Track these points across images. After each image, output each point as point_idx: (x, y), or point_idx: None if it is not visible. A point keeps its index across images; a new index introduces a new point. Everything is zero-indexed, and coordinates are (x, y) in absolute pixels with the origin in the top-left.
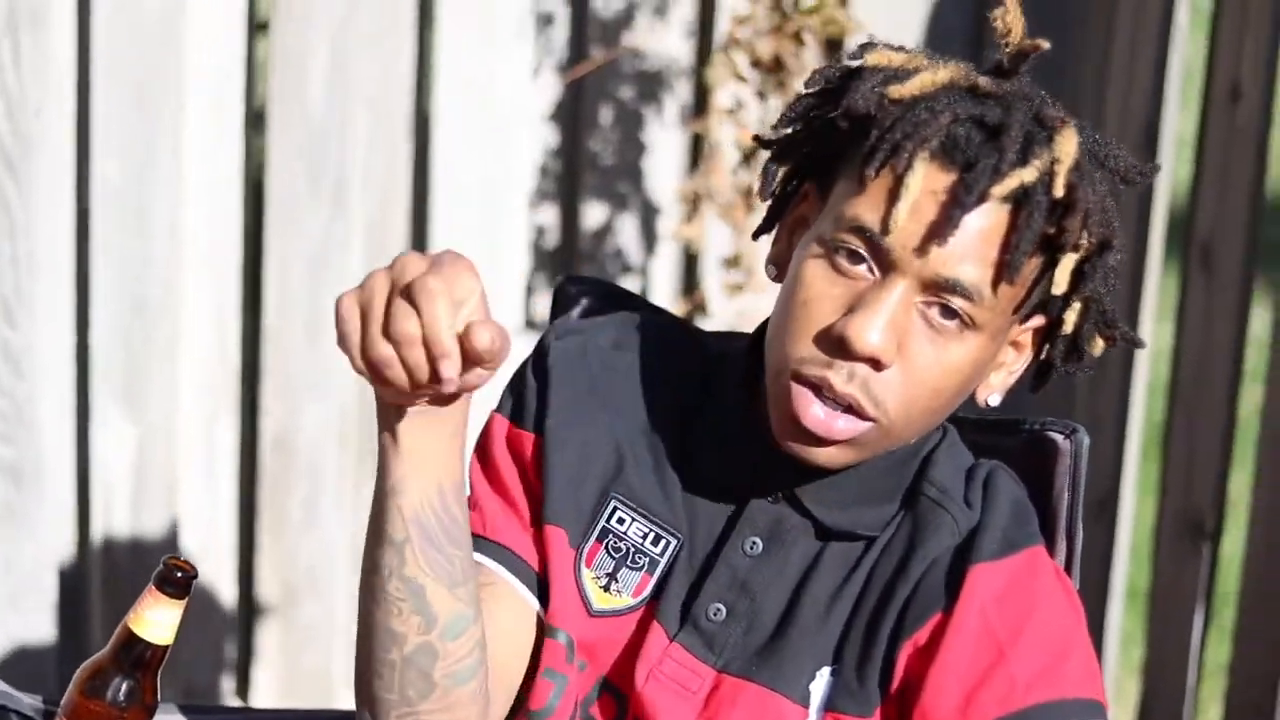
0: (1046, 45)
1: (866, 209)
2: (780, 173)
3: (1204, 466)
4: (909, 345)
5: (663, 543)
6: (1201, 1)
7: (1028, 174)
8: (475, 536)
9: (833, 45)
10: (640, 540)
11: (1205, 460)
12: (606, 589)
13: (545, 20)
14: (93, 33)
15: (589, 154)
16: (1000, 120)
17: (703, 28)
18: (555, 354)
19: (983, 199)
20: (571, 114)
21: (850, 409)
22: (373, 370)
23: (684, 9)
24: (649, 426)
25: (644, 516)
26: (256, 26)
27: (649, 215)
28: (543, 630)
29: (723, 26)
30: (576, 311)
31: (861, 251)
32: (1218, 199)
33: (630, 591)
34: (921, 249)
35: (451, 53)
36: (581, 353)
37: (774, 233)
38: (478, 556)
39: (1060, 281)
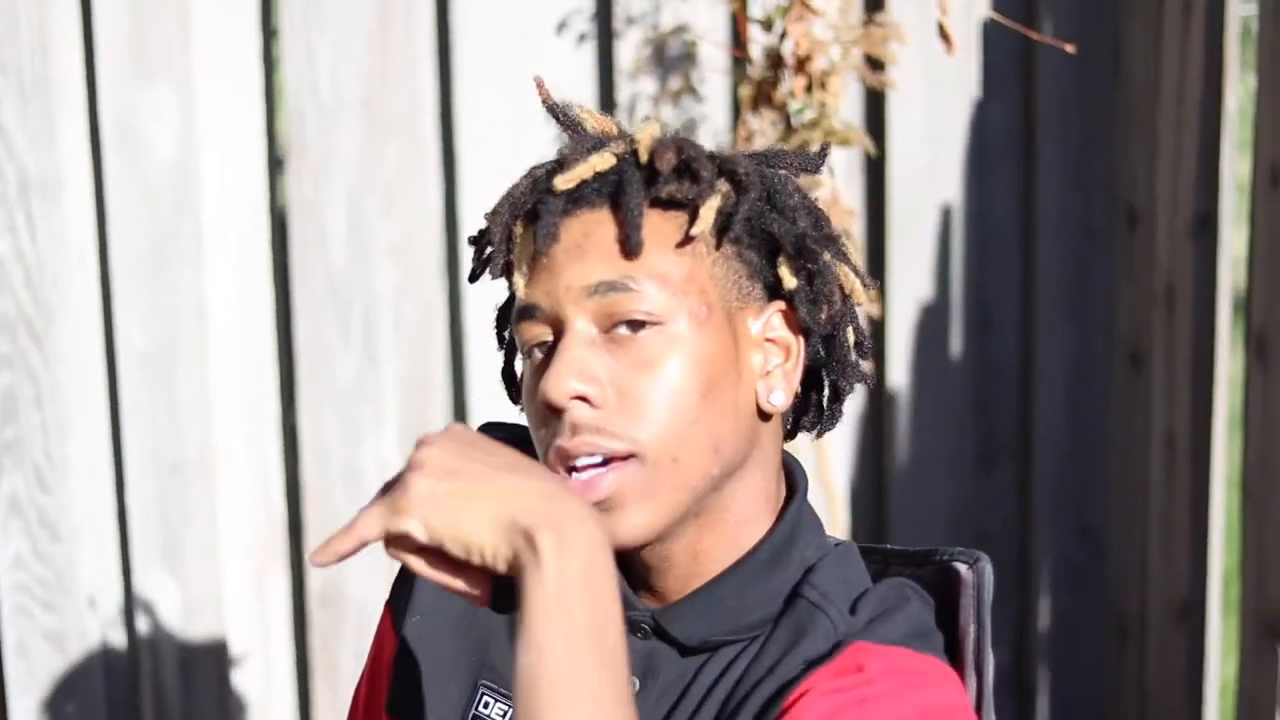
0: (602, 165)
1: (519, 294)
2: None
3: (1275, 566)
4: (612, 371)
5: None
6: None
7: (600, 160)
8: None
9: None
10: (501, 718)
11: (1275, 560)
12: None
13: None
14: (105, 198)
15: None
16: (566, 150)
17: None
18: None
19: (559, 200)
20: None
21: (604, 462)
22: None
23: (714, 123)
24: None
25: (506, 696)
26: (275, 162)
27: None
28: None
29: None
30: None
31: (535, 329)
32: (1268, 287)
33: None
34: (558, 284)
35: (475, 200)
36: None
37: None
38: None
39: (704, 221)
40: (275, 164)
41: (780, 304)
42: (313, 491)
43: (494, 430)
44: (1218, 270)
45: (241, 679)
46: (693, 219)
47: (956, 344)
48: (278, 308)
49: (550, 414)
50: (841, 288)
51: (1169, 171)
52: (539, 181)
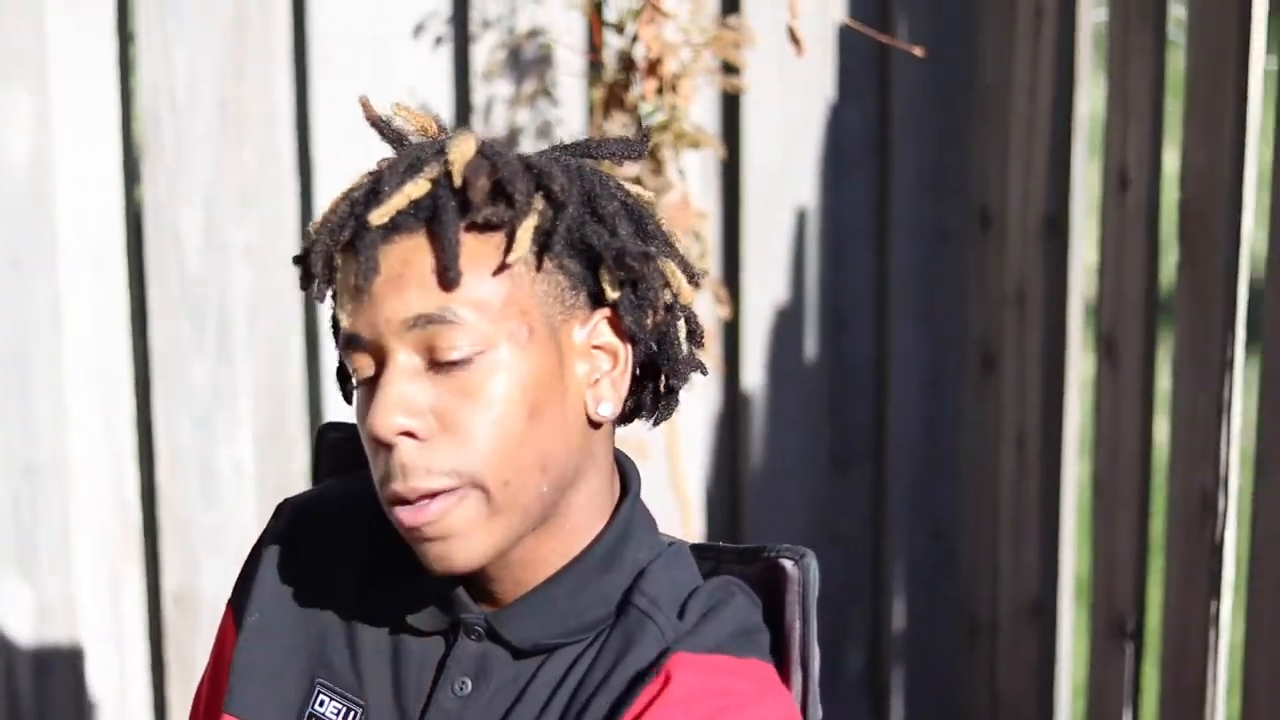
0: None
1: (343, 324)
2: None
3: (1123, 564)
4: (437, 399)
5: (351, 714)
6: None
7: (414, 188)
8: None
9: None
10: (334, 718)
11: (1123, 558)
12: None
13: None
14: None
15: None
16: (380, 171)
17: None
18: (272, 538)
19: (377, 233)
20: None
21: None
22: None
23: (570, 126)
24: (361, 588)
25: (341, 695)
26: (132, 164)
27: None
28: None
29: None
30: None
31: (361, 359)
32: (1117, 289)
33: None
34: (379, 316)
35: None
36: (299, 529)
37: None
38: None
39: (521, 245)
40: (132, 166)
41: (606, 311)
42: (167, 494)
43: (333, 430)
44: (1069, 272)
45: (96, 681)
46: (510, 242)
47: (811, 346)
48: (133, 310)
49: (380, 445)
50: (670, 287)
51: (1020, 174)
52: (356, 206)
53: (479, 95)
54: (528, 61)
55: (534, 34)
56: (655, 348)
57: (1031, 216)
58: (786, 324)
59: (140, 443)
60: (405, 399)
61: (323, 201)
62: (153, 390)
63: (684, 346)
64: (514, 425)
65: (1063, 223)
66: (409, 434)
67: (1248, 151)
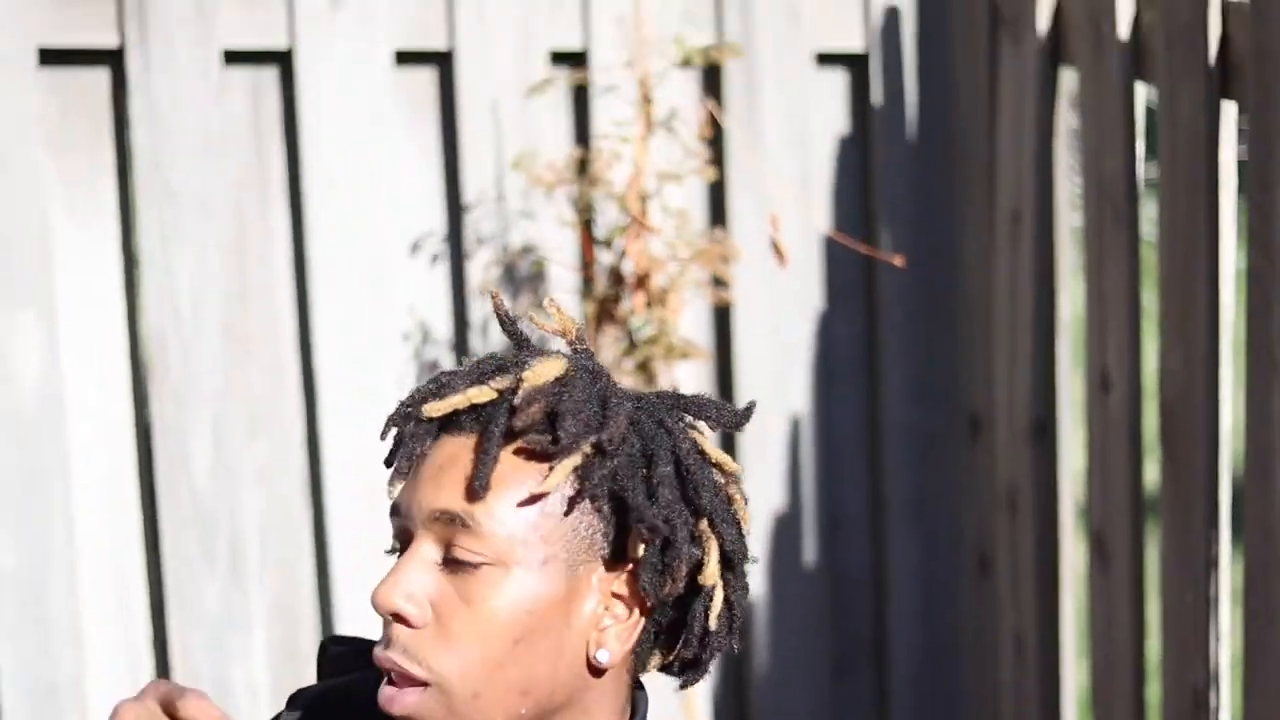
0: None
1: (391, 491)
2: None
3: None
4: (440, 595)
5: None
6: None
7: (478, 393)
8: None
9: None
10: None
11: None
12: None
13: (430, 369)
14: None
15: None
16: (452, 375)
17: None
18: None
19: (427, 425)
20: None
21: (405, 678)
22: None
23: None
24: None
25: None
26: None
27: None
28: None
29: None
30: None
31: (396, 528)
32: (1104, 489)
33: None
34: (414, 499)
35: (337, 423)
36: (313, 718)
37: None
38: None
39: (551, 481)
40: (140, 387)
41: (630, 566)
42: None
43: (335, 644)
44: (1058, 476)
45: None
46: (548, 474)
47: (810, 553)
48: (145, 531)
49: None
50: (700, 565)
51: (1006, 379)
52: (421, 393)
53: (475, 312)
54: (521, 278)
55: (526, 250)
56: (675, 616)
57: (1019, 420)
58: (784, 532)
59: (157, 664)
60: (410, 584)
61: (329, 422)
62: (167, 612)
63: (714, 623)
64: (499, 644)
65: (1050, 426)
66: (402, 618)
67: (1222, 352)
